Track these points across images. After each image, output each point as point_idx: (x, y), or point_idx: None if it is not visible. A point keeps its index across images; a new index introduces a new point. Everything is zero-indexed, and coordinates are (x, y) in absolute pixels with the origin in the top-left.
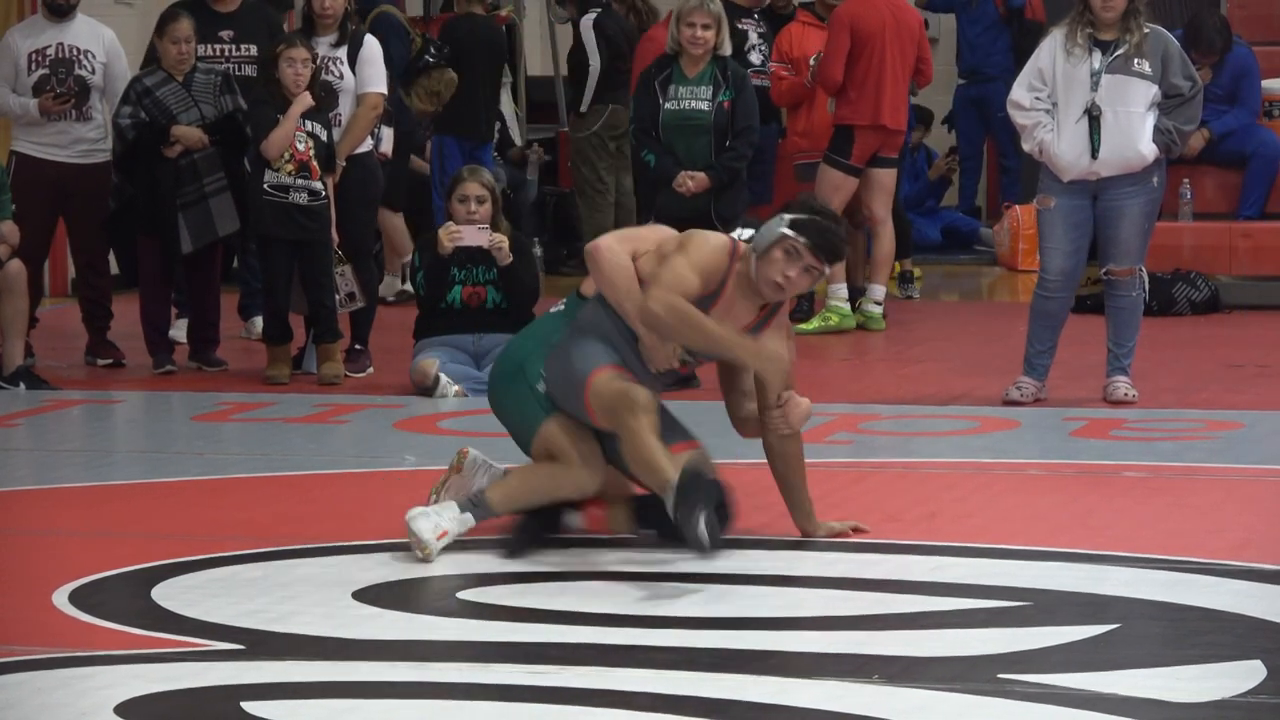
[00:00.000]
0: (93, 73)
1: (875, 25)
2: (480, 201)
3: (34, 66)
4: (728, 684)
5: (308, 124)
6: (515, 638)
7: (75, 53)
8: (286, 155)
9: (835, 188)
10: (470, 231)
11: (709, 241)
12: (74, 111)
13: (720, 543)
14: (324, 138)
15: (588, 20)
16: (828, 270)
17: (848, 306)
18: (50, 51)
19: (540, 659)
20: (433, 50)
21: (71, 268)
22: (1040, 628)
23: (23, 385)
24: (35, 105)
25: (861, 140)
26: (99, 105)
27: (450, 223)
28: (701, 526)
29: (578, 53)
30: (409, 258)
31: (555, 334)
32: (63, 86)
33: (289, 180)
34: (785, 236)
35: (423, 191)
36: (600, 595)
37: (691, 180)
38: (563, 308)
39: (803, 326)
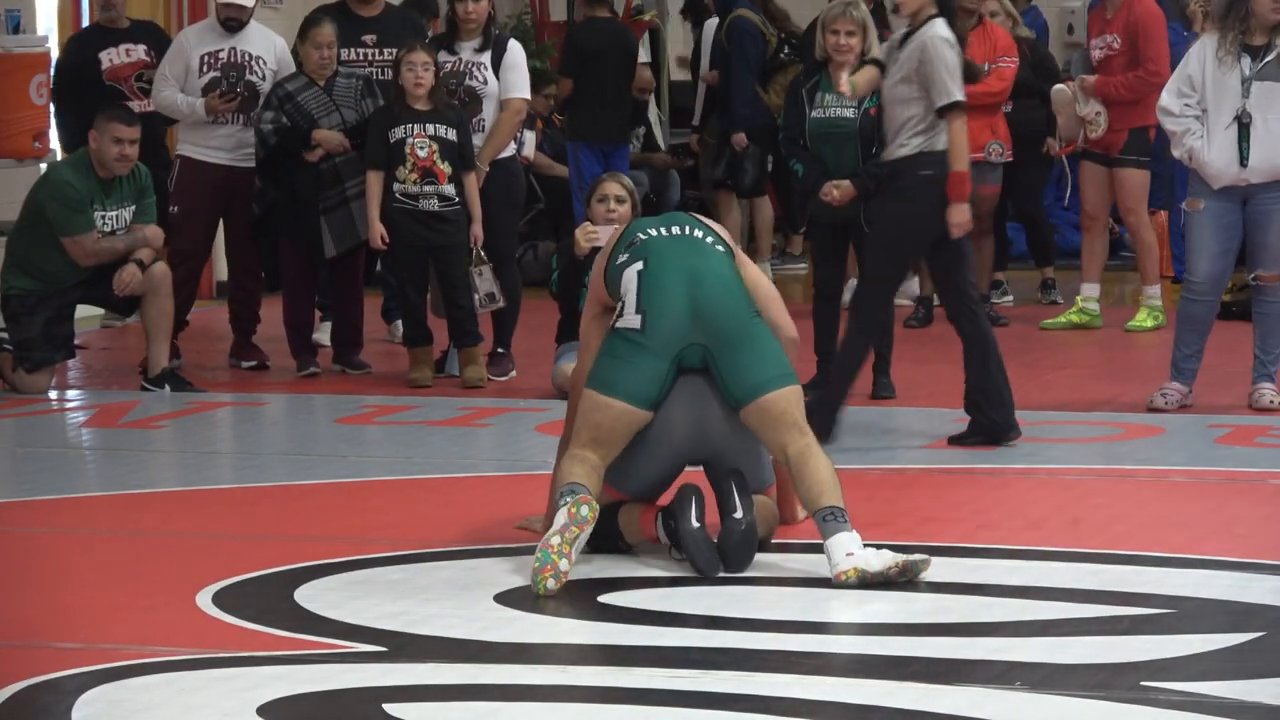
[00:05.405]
0: (263, 79)
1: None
2: (620, 201)
3: (205, 69)
4: (869, 690)
5: (430, 128)
6: (656, 642)
7: (247, 58)
8: (410, 164)
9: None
10: (606, 233)
11: None
12: (240, 116)
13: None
14: (452, 138)
15: (711, 23)
16: None
17: (1096, 306)
18: (223, 55)
19: (681, 663)
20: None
21: (220, 270)
22: (1184, 635)
23: (168, 387)
24: (202, 105)
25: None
26: None
27: (587, 223)
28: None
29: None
30: None
31: None
32: (232, 90)
33: (415, 189)
34: None
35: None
36: (740, 600)
37: (836, 190)
38: None
39: (1054, 321)
